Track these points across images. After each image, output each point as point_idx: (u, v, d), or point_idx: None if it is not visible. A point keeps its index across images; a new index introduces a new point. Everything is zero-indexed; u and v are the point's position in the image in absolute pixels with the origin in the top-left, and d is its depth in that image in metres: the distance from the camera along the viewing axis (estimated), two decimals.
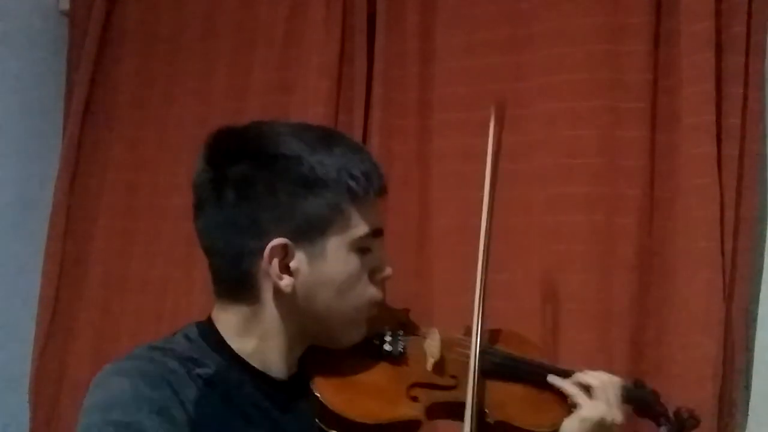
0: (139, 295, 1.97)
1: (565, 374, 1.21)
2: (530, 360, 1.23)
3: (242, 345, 1.07)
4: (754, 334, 1.52)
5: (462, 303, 1.62)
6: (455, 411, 1.11)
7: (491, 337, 1.26)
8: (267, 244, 1.02)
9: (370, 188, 1.05)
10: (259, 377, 1.06)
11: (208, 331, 1.08)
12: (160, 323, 1.90)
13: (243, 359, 1.06)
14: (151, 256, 1.97)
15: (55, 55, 2.13)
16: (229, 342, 1.07)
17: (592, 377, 1.20)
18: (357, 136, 1.76)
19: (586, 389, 1.18)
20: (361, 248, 1.06)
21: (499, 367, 1.20)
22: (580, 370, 1.21)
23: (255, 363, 1.07)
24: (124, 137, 2.04)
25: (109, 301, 2.00)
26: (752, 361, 1.52)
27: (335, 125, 1.78)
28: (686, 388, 1.48)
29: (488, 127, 1.26)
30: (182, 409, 0.98)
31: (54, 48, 2.13)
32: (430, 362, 1.14)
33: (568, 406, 1.19)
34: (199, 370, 1.02)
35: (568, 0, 1.63)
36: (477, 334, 1.15)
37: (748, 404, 1.52)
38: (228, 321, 1.08)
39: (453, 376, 1.15)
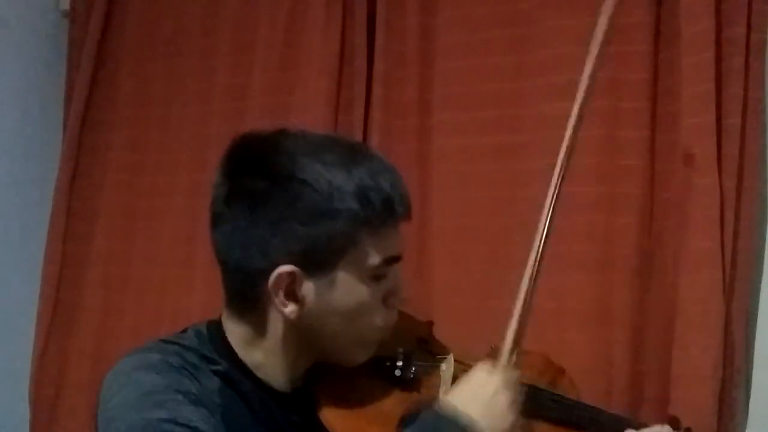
0: (139, 295, 1.97)
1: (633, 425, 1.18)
2: (559, 396, 1.18)
3: (248, 355, 1.06)
4: (754, 334, 1.52)
5: (462, 303, 1.64)
6: None
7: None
8: (275, 269, 0.99)
9: (388, 217, 1.02)
10: (262, 387, 1.06)
11: (217, 333, 1.07)
12: (160, 323, 1.90)
13: (248, 368, 1.06)
14: (151, 256, 1.97)
15: (55, 55, 2.13)
16: (236, 349, 1.06)
17: None
18: (357, 136, 1.75)
19: None
20: (374, 276, 1.03)
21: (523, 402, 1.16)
22: (636, 422, 1.19)
23: (259, 374, 1.06)
24: (124, 137, 2.04)
25: (109, 301, 2.00)
26: (752, 361, 1.52)
27: (335, 125, 1.78)
28: (686, 388, 1.48)
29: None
30: (211, 398, 0.98)
31: (54, 48, 2.13)
32: (443, 390, 1.09)
33: None
34: (213, 367, 1.03)
35: (568, 0, 1.63)
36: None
37: (748, 404, 1.52)
38: (235, 332, 1.07)
39: None
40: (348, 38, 1.82)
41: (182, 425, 0.92)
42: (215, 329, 1.08)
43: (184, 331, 1.09)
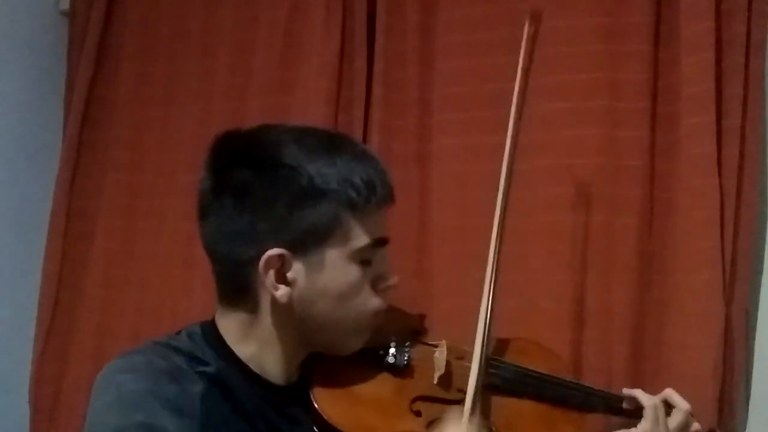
0: (139, 294, 1.97)
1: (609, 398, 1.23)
2: (546, 375, 1.20)
3: (242, 350, 1.07)
4: (754, 334, 1.52)
5: (462, 303, 1.63)
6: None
7: (504, 347, 1.23)
8: (264, 254, 1.01)
9: (372, 198, 1.04)
10: (257, 381, 1.06)
11: (211, 332, 1.08)
12: (160, 323, 1.90)
13: (243, 362, 1.06)
14: (151, 256, 1.97)
15: (55, 55, 2.13)
16: (230, 345, 1.07)
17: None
18: (357, 136, 1.75)
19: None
20: (362, 259, 1.05)
21: (509, 382, 1.17)
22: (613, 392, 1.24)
23: (254, 368, 1.07)
24: (124, 137, 2.03)
25: (110, 301, 2.00)
26: (752, 361, 1.52)
27: (335, 125, 1.78)
28: (686, 388, 1.47)
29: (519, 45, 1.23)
30: (191, 404, 0.98)
31: (54, 48, 2.13)
32: (436, 375, 1.12)
33: (582, 425, 1.19)
34: (202, 368, 1.03)
35: (568, 0, 1.63)
36: (481, 350, 1.12)
37: (748, 404, 1.52)
38: (228, 326, 1.08)
39: (460, 390, 1.12)
40: (348, 38, 1.82)
41: (156, 430, 0.93)
42: (208, 328, 1.09)
43: (178, 333, 1.10)
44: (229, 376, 1.04)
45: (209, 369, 1.03)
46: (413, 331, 1.17)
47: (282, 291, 1.03)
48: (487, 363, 1.13)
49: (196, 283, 1.85)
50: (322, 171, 1.02)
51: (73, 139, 2.05)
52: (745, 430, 1.51)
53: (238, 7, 1.95)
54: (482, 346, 1.12)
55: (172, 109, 2.00)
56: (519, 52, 1.68)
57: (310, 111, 1.80)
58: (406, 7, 1.77)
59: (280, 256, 1.02)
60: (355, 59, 1.81)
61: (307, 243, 1.02)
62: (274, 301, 1.04)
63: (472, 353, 1.15)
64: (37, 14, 2.11)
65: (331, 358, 1.10)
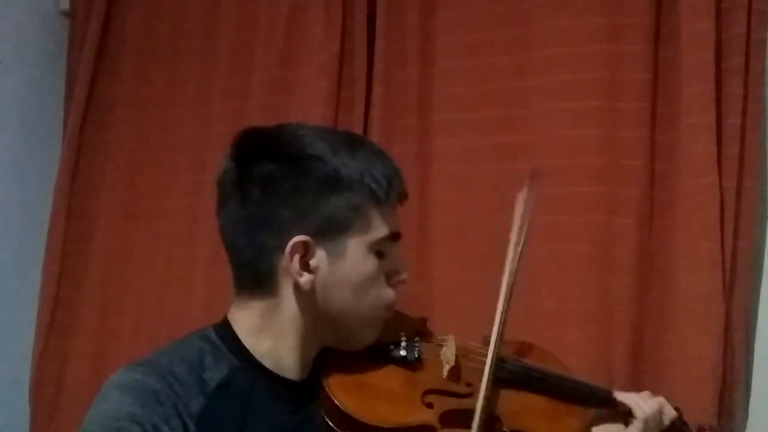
0: (139, 294, 1.97)
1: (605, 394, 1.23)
2: (549, 371, 1.23)
3: (257, 344, 1.08)
4: (754, 334, 1.52)
5: (462, 304, 1.64)
6: (470, 419, 1.10)
7: (509, 347, 1.25)
8: (288, 241, 1.04)
9: (391, 192, 1.08)
10: (271, 378, 1.07)
11: (224, 331, 1.09)
12: (160, 323, 1.90)
13: (256, 360, 1.07)
14: (151, 256, 1.97)
15: (55, 55, 2.13)
16: (244, 342, 1.08)
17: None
18: None
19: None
20: (379, 251, 1.08)
21: (516, 376, 1.20)
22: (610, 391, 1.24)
23: (268, 364, 1.07)
24: (124, 137, 2.04)
25: (109, 300, 2.00)
26: (752, 361, 1.52)
27: (335, 125, 1.78)
28: (686, 388, 1.48)
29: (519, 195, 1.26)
30: (181, 425, 0.99)
31: (54, 48, 2.13)
32: (446, 369, 1.14)
33: (586, 419, 1.20)
34: (210, 374, 1.04)
35: (568, 0, 1.64)
36: (495, 343, 1.14)
37: (748, 404, 1.52)
38: (245, 319, 1.09)
39: (468, 384, 1.14)
40: (348, 38, 1.82)
41: None
42: (222, 328, 1.10)
43: (189, 336, 1.10)
44: (243, 376, 1.05)
45: (219, 374, 1.04)
46: (418, 332, 1.19)
47: (306, 278, 1.05)
48: (499, 358, 1.15)
49: (196, 283, 1.85)
50: (346, 163, 1.05)
51: (73, 139, 2.05)
52: (745, 430, 1.51)
53: (238, 7, 1.95)
54: (497, 336, 1.15)
55: (172, 109, 2.00)
56: (520, 53, 1.69)
57: (310, 111, 1.80)
58: (406, 7, 1.77)
59: (305, 243, 1.04)
60: (355, 59, 1.81)
61: (331, 231, 1.05)
62: (296, 288, 1.06)
63: (478, 349, 1.17)
64: (37, 14, 2.11)
65: (344, 353, 1.11)
